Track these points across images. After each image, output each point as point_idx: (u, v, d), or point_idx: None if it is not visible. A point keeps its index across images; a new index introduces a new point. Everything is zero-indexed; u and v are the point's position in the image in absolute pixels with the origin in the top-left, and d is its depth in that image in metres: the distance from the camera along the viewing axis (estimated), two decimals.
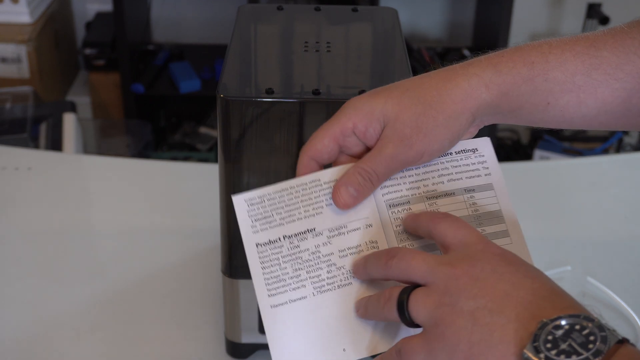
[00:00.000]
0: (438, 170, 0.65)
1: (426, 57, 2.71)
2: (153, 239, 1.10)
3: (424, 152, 0.62)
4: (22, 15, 2.47)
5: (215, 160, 0.78)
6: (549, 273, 1.03)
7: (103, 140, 2.45)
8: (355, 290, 0.62)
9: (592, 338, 0.51)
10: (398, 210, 0.64)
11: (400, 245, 0.63)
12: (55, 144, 2.02)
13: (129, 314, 0.97)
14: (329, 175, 0.64)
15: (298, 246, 0.63)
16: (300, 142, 0.74)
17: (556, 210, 1.19)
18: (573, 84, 0.63)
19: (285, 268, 0.62)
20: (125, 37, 2.54)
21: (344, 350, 0.61)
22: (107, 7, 2.72)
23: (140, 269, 1.04)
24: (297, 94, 0.74)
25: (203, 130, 2.71)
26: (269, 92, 0.73)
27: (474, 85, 0.63)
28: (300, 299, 0.61)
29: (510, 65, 0.64)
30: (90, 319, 0.96)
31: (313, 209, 0.63)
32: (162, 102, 2.81)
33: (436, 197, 0.65)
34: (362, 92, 0.73)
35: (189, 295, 0.99)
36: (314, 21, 0.89)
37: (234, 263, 0.82)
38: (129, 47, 2.56)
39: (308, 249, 0.63)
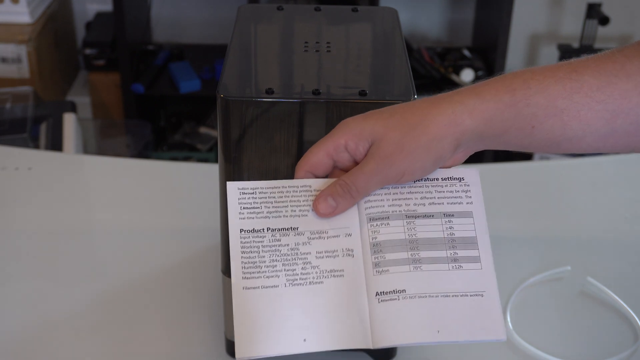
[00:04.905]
0: (422, 192, 0.69)
1: (426, 57, 2.71)
2: (153, 239, 1.10)
3: (404, 171, 0.66)
4: (22, 15, 2.47)
5: (215, 160, 0.78)
6: (549, 273, 1.04)
7: (103, 140, 2.45)
8: (324, 289, 0.65)
9: None
10: (376, 224, 0.67)
11: (372, 257, 0.66)
12: (55, 144, 2.02)
13: (129, 314, 0.97)
14: (319, 184, 0.68)
15: (279, 240, 0.66)
16: (301, 142, 0.74)
17: (556, 210, 1.19)
18: (555, 108, 0.65)
19: (263, 257, 0.66)
20: (125, 37, 2.54)
21: (304, 340, 0.64)
22: (107, 7, 2.72)
23: (140, 269, 1.04)
24: (297, 94, 0.74)
25: (203, 130, 2.71)
26: (269, 92, 0.73)
27: (458, 112, 0.66)
28: (272, 287, 0.65)
29: (492, 93, 0.66)
30: (90, 319, 0.96)
31: (300, 210, 0.67)
32: (162, 102, 2.81)
33: (415, 217, 0.68)
34: (362, 92, 0.73)
35: (189, 295, 0.99)
36: (314, 21, 0.89)
37: None
38: (129, 47, 2.56)
39: (288, 245, 0.66)
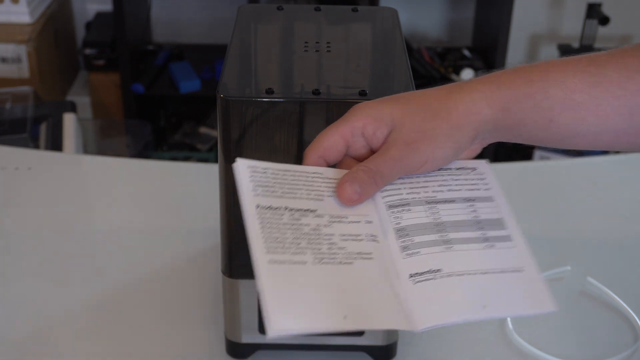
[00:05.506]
0: (438, 181, 0.67)
1: (426, 57, 2.71)
2: (153, 239, 1.10)
3: (427, 159, 0.64)
4: (22, 15, 2.47)
5: (215, 160, 0.78)
6: (549, 273, 1.04)
7: (103, 140, 2.45)
8: (355, 269, 0.60)
9: None
10: (397, 211, 0.65)
11: (398, 242, 0.63)
12: (55, 144, 2.02)
13: (129, 314, 0.97)
14: (331, 172, 0.65)
15: (299, 219, 0.62)
16: (301, 142, 0.74)
17: (556, 210, 1.19)
18: (573, 101, 0.64)
19: (285, 234, 0.60)
20: (125, 37, 2.54)
21: (345, 317, 0.57)
22: (107, 7, 2.72)
23: (140, 268, 1.04)
24: (297, 94, 0.74)
25: (203, 130, 2.72)
26: (269, 92, 0.73)
27: (476, 99, 0.64)
28: (299, 262, 0.59)
29: (510, 82, 0.65)
30: (90, 319, 0.96)
31: (315, 194, 0.64)
32: (162, 102, 2.81)
33: (436, 202, 0.65)
34: (362, 92, 0.73)
35: (189, 295, 0.99)
36: (314, 21, 0.89)
37: (234, 263, 0.82)
38: (129, 47, 2.57)
39: (309, 225, 0.62)
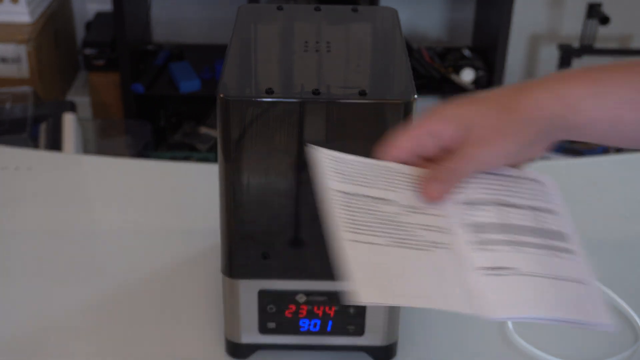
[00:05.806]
0: (505, 186, 0.68)
1: (426, 57, 2.71)
2: (153, 239, 1.10)
3: (498, 154, 0.66)
4: (22, 15, 2.47)
5: (215, 160, 0.78)
6: None
7: (103, 140, 2.45)
8: (432, 256, 0.62)
9: None
10: (467, 207, 0.66)
11: (469, 236, 0.65)
12: (55, 144, 2.02)
13: (129, 314, 0.97)
14: (403, 168, 0.67)
15: (374, 206, 0.64)
16: (301, 142, 0.74)
17: None
18: (639, 103, 0.64)
19: (363, 217, 0.63)
20: (125, 37, 2.54)
21: (421, 296, 0.60)
22: (107, 7, 2.73)
23: (140, 268, 1.04)
24: (297, 94, 0.74)
25: (203, 130, 2.72)
26: (269, 92, 0.73)
27: (545, 96, 0.66)
28: (378, 244, 0.62)
29: (578, 81, 0.66)
30: (90, 319, 0.96)
31: (390, 185, 0.66)
32: (162, 102, 2.81)
33: (504, 205, 0.67)
34: (362, 92, 0.73)
35: (189, 295, 0.99)
36: (314, 21, 0.89)
37: (234, 263, 0.82)
38: (129, 47, 2.57)
39: (384, 211, 0.64)
